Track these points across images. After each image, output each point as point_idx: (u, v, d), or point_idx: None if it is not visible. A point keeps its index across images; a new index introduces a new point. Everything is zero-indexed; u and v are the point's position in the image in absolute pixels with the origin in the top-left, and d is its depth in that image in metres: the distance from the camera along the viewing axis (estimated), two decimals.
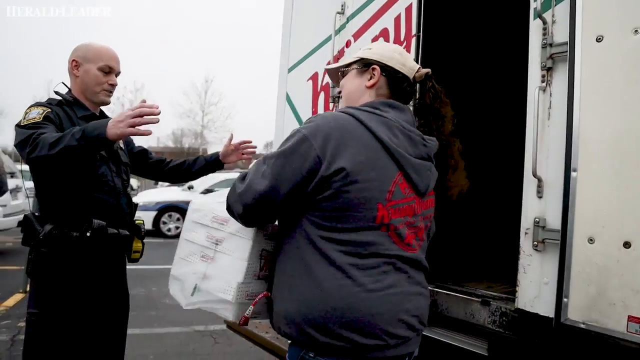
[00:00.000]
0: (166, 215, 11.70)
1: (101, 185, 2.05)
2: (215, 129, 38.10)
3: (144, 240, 2.25)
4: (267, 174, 1.33)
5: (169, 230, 11.70)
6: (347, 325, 1.29)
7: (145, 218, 11.35)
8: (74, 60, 2.15)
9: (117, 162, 2.19)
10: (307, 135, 1.32)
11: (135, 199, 9.66)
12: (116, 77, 2.21)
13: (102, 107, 2.29)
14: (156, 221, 11.59)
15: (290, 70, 3.44)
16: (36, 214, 2.03)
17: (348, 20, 3.00)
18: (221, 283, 1.56)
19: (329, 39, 3.10)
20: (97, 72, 2.13)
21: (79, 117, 2.08)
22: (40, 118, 1.91)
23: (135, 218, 2.25)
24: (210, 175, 12.70)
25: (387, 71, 1.52)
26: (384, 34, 2.72)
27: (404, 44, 2.60)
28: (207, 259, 1.62)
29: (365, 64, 1.54)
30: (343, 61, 1.66)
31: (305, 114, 3.26)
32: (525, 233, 1.94)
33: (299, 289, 1.35)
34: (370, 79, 1.52)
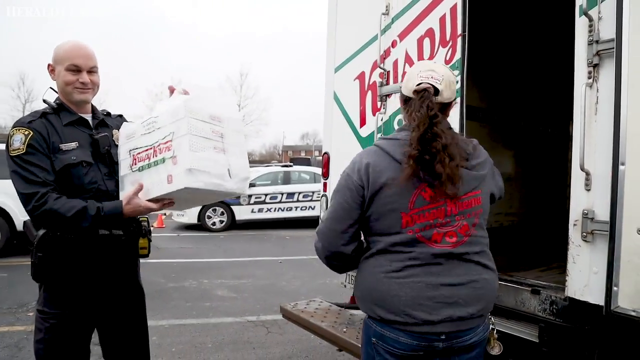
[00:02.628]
0: (210, 209, 12.04)
1: (90, 191, 2.04)
2: (251, 122, 38.70)
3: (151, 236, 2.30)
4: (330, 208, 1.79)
5: (213, 224, 12.00)
6: (375, 302, 1.67)
7: (189, 213, 11.69)
8: (49, 64, 2.11)
9: (108, 163, 2.13)
10: (349, 173, 1.72)
11: None
12: (91, 73, 2.09)
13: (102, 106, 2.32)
14: (201, 215, 11.97)
15: (336, 70, 3.56)
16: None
17: (393, 20, 3.09)
18: (243, 169, 2.07)
19: (374, 39, 3.21)
20: (65, 72, 2.05)
21: (65, 124, 2.06)
22: (24, 149, 1.93)
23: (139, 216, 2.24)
24: (253, 168, 12.84)
25: (402, 95, 1.76)
26: (430, 34, 2.81)
27: (449, 43, 2.69)
28: (219, 151, 2.00)
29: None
30: None
31: (354, 112, 3.38)
32: (574, 224, 2.02)
33: (358, 275, 1.79)
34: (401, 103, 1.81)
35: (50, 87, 2.16)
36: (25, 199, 1.92)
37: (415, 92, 1.66)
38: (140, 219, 2.25)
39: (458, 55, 2.63)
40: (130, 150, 2.06)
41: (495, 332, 1.82)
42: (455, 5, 2.67)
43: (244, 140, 2.21)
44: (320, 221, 2.46)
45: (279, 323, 4.91)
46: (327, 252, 1.78)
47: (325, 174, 3.72)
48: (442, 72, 1.68)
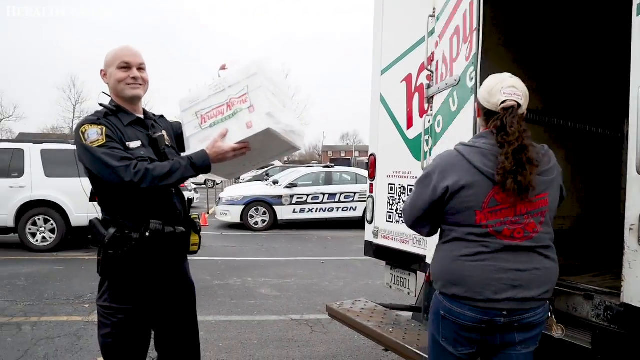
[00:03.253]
0: (253, 209, 12.26)
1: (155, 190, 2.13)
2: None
3: (201, 233, 2.40)
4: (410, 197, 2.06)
5: (255, 223, 12.18)
6: (449, 280, 1.90)
7: (232, 212, 12.05)
8: (101, 70, 2.25)
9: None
10: (430, 172, 1.95)
11: (222, 194, 10.31)
12: (140, 70, 2.22)
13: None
14: (244, 215, 12.20)
15: (383, 72, 3.59)
16: (99, 218, 2.19)
17: (436, 22, 3.10)
18: (300, 130, 2.36)
19: (422, 41, 3.22)
20: (116, 71, 2.19)
21: (126, 124, 2.18)
22: (104, 139, 2.05)
23: (190, 213, 2.39)
24: (295, 169, 13.08)
25: (482, 107, 1.95)
26: (457, 31, 2.81)
27: (468, 39, 2.67)
28: (284, 107, 2.31)
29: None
30: None
31: (400, 115, 3.40)
32: (630, 229, 1.98)
33: (435, 256, 2.04)
34: (478, 113, 2.03)
35: (103, 92, 2.29)
36: (121, 170, 2.00)
37: (503, 109, 1.85)
38: (192, 215, 2.37)
39: (473, 49, 2.61)
40: (197, 112, 2.26)
41: (554, 317, 2.04)
42: (472, 1, 2.65)
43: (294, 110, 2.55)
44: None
45: (323, 322, 4.98)
46: (408, 226, 2.09)
47: (372, 175, 3.75)
48: (521, 88, 1.89)
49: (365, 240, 3.81)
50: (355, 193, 12.60)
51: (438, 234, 2.05)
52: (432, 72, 3.15)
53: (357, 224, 12.22)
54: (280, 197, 12.36)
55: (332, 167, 14.51)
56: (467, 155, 1.86)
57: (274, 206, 12.30)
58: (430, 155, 3.19)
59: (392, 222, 3.55)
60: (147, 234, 2.10)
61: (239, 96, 2.17)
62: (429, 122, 3.18)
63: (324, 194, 12.59)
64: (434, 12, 3.18)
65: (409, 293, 3.49)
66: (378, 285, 6.36)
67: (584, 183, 4.27)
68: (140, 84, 2.23)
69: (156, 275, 2.19)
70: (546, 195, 1.86)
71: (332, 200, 12.59)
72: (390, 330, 2.88)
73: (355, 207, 12.57)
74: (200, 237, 2.34)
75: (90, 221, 2.21)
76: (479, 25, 2.61)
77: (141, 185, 2.01)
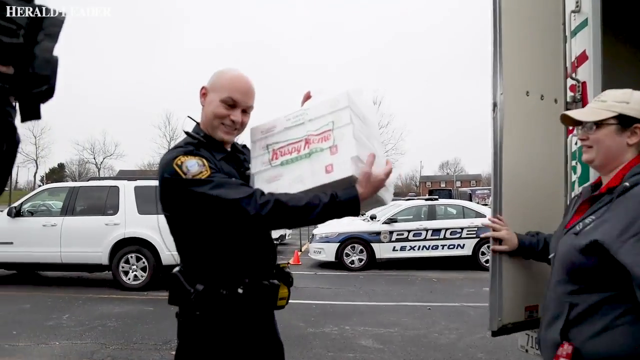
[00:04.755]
0: (349, 246, 11.85)
1: (255, 236, 1.94)
2: (387, 152, 38.52)
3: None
4: None
5: (352, 262, 11.69)
6: None
7: (327, 250, 11.77)
8: (203, 87, 1.97)
9: None
10: None
11: (315, 231, 9.97)
12: (245, 113, 1.94)
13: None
14: (339, 253, 11.84)
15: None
16: (182, 269, 1.92)
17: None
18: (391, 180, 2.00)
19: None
20: (218, 103, 1.90)
21: (219, 159, 1.91)
22: (208, 171, 1.77)
23: (279, 262, 2.10)
24: (394, 203, 12.53)
25: None
26: None
27: None
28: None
29: (626, 122, 1.68)
30: (595, 114, 1.74)
31: None
32: None
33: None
34: (631, 135, 1.68)
35: (189, 116, 2.04)
36: (244, 202, 1.71)
37: None
38: (281, 264, 2.07)
39: None
40: (269, 145, 1.98)
41: None
42: None
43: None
44: None
45: None
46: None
47: None
48: None
49: None
50: (462, 228, 11.80)
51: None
52: (578, 82, 2.62)
53: (466, 263, 11.39)
54: (378, 233, 11.84)
55: (436, 199, 13.77)
56: None
57: (371, 243, 11.80)
58: (578, 186, 2.63)
59: None
60: (241, 289, 1.82)
61: (318, 133, 1.89)
62: (575, 143, 2.61)
63: (427, 230, 11.87)
64: (577, 6, 2.64)
65: None
66: (500, 341, 5.59)
67: None
68: (237, 129, 1.95)
69: (244, 338, 1.90)
70: None
71: (437, 237, 11.85)
72: None
73: (463, 245, 11.74)
74: (289, 291, 2.05)
75: (172, 275, 1.92)
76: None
77: (269, 220, 1.73)
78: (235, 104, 1.89)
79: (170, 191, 1.80)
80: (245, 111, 1.94)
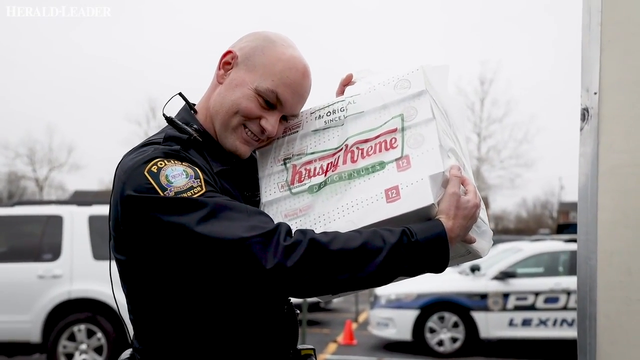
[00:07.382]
0: (435, 316, 8.84)
1: (267, 304, 1.46)
2: (502, 162, 30.21)
3: None
4: None
5: (439, 342, 8.74)
6: None
7: (399, 322, 9.07)
8: (230, 51, 1.45)
9: None
10: None
11: (379, 291, 5.52)
12: (282, 122, 1.47)
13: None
14: (418, 327, 8.79)
15: None
16: (139, 350, 1.40)
17: None
18: (484, 215, 1.58)
19: None
20: (252, 93, 1.39)
21: (216, 171, 1.40)
22: (202, 186, 1.26)
23: (302, 346, 1.59)
24: (510, 245, 8.80)
25: None
26: None
27: None
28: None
29: None
30: None
31: None
32: None
33: None
34: None
35: (180, 94, 1.51)
36: (255, 244, 1.19)
37: None
38: (304, 350, 1.57)
39: None
40: (288, 158, 1.49)
41: None
42: None
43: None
44: None
45: None
46: None
47: None
48: None
49: None
50: None
51: None
52: None
53: None
54: (484, 296, 8.84)
55: None
56: None
57: (472, 312, 8.81)
58: None
59: None
60: None
61: (375, 136, 1.39)
62: None
63: (568, 293, 8.60)
64: None
65: None
66: None
67: None
68: (260, 141, 1.47)
69: None
70: None
71: None
72: None
73: None
74: None
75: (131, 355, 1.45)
76: None
77: (298, 278, 1.21)
78: (277, 104, 1.43)
79: (133, 218, 1.28)
80: (285, 119, 1.52)
